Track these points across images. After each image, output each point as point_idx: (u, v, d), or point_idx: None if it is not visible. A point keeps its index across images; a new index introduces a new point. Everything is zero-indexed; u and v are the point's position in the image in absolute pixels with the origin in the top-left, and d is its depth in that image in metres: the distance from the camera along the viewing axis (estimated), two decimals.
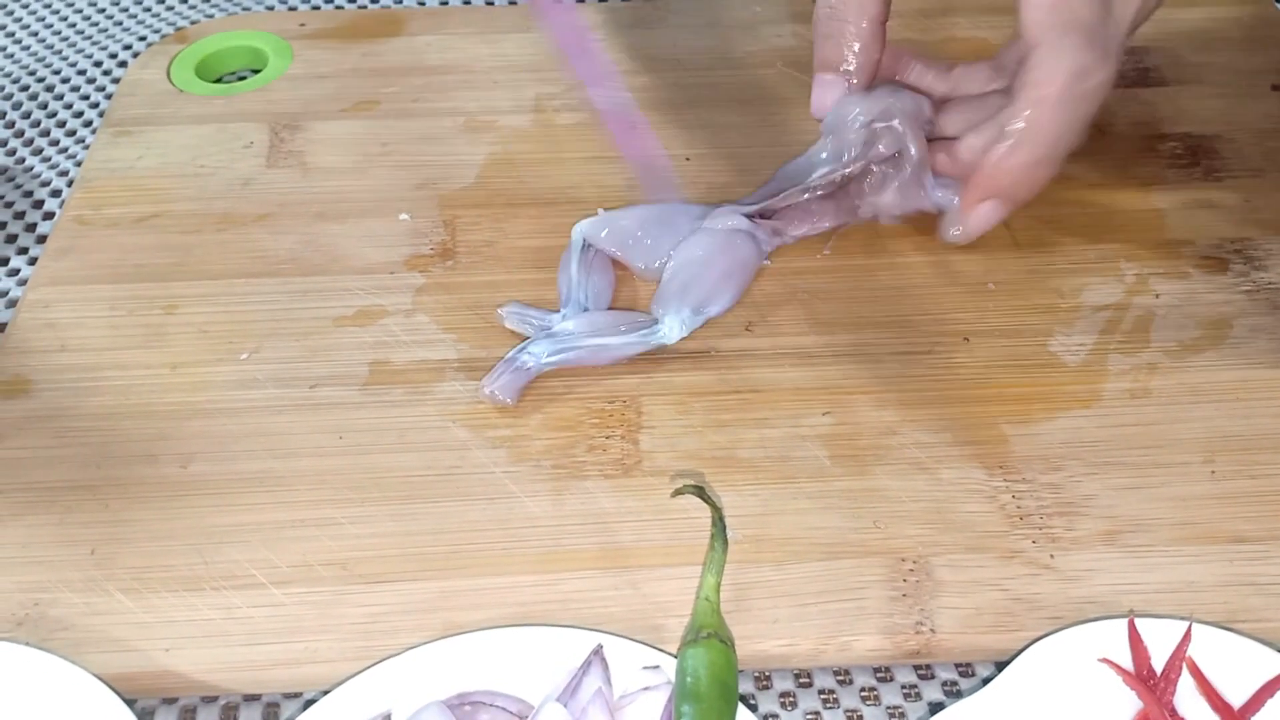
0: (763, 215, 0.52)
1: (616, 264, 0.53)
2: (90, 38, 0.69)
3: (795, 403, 0.48)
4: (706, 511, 0.41)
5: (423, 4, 0.70)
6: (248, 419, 0.47)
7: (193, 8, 0.70)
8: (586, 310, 0.50)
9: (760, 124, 0.60)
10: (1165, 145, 0.59)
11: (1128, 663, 0.39)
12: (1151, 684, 0.39)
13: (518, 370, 0.48)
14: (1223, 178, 0.57)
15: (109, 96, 0.64)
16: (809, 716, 0.41)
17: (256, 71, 0.64)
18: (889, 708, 0.41)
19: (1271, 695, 0.38)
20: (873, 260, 0.52)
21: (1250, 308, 0.51)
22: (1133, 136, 0.59)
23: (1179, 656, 0.39)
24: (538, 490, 0.45)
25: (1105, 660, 0.39)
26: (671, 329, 0.49)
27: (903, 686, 0.41)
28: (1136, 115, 0.61)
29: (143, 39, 0.68)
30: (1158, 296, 0.52)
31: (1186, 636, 0.39)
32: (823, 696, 0.41)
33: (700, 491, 0.42)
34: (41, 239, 0.56)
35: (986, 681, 0.39)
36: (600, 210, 0.53)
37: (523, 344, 0.49)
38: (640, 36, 0.65)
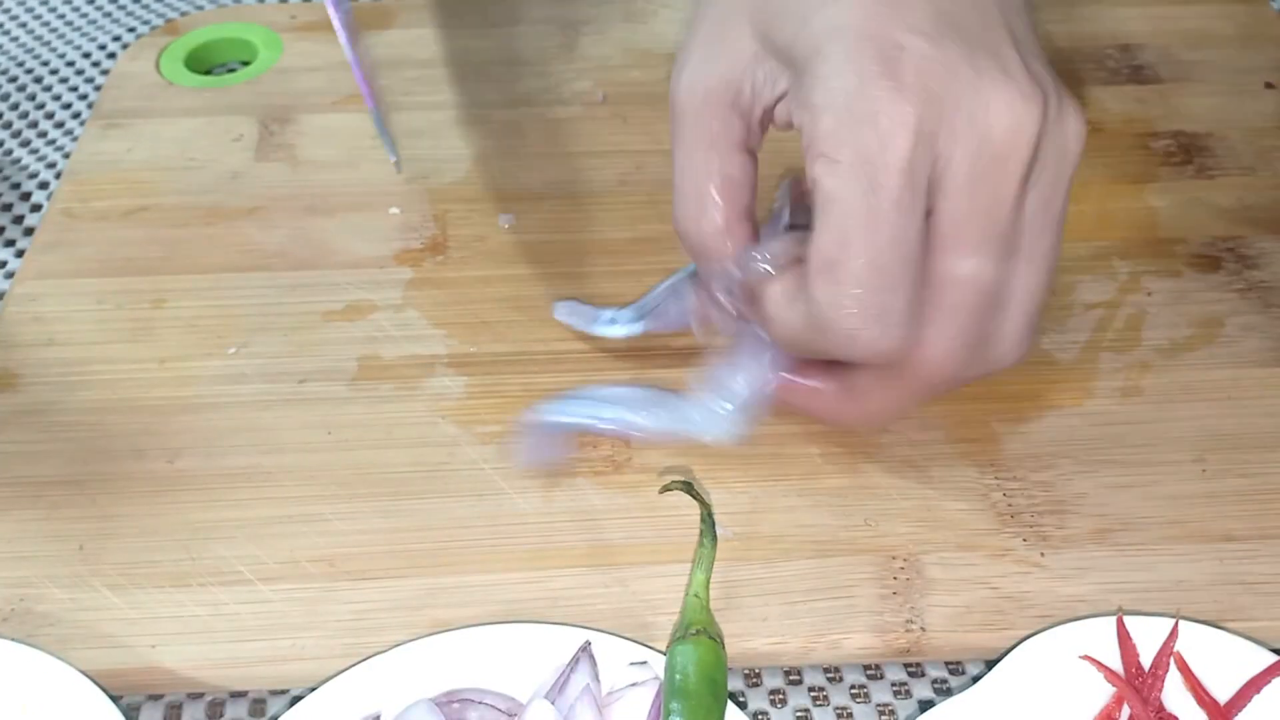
0: None
1: None
2: (79, 29, 0.68)
3: None
4: (696, 509, 0.41)
5: None
6: (235, 414, 0.47)
7: None
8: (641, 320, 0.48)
9: None
10: (1158, 143, 0.59)
11: (1116, 660, 0.39)
12: (1139, 680, 0.39)
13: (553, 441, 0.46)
14: (1216, 176, 0.57)
15: (98, 88, 0.64)
16: (799, 714, 0.40)
17: (246, 64, 0.64)
18: (879, 705, 0.41)
19: (1257, 691, 0.38)
20: None
21: (1242, 306, 0.51)
22: (1125, 134, 0.59)
23: (1166, 653, 0.39)
24: (527, 487, 0.45)
25: (1088, 658, 0.39)
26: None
27: (893, 684, 0.41)
28: (1129, 113, 0.61)
29: (132, 30, 0.68)
30: (1150, 294, 0.52)
31: (1174, 633, 0.39)
32: (813, 694, 0.41)
33: (688, 488, 0.41)
34: (29, 232, 0.56)
35: (977, 680, 0.39)
36: None
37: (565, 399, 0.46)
38: (632, 31, 0.65)
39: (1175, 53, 0.64)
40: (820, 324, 0.38)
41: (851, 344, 0.38)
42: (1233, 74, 0.63)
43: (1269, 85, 0.62)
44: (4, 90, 0.64)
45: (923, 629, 0.41)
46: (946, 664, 0.42)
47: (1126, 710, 0.38)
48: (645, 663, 0.39)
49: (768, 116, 0.42)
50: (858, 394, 0.42)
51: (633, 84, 0.62)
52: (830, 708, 0.41)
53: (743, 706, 0.40)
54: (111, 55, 0.66)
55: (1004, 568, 0.42)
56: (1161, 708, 0.38)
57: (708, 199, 0.42)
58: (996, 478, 0.45)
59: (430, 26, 0.65)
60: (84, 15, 0.69)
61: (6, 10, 0.70)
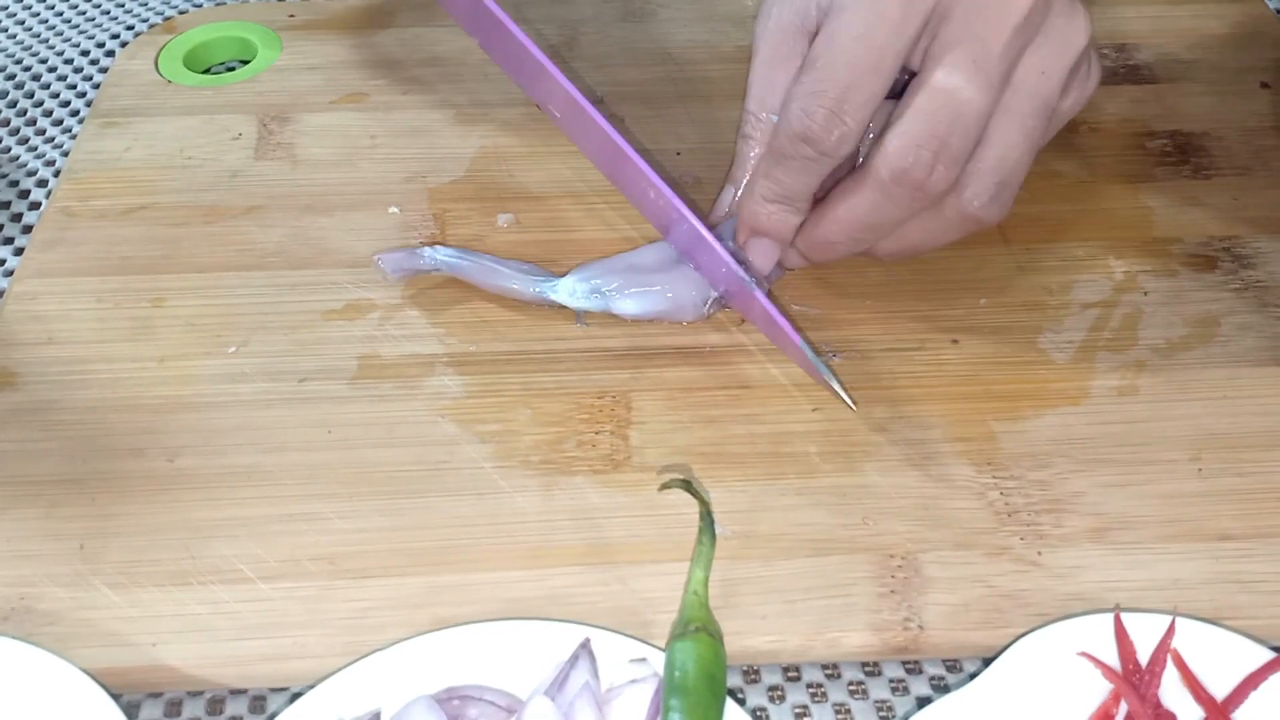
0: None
1: None
2: (78, 27, 0.68)
3: (784, 398, 0.48)
4: (695, 507, 0.41)
5: None
6: (235, 413, 0.47)
7: None
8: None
9: None
10: (1154, 143, 0.59)
11: (1114, 657, 0.39)
12: (1136, 677, 0.39)
13: (412, 255, 0.51)
14: (1211, 175, 0.57)
15: (96, 87, 0.64)
16: (797, 710, 0.41)
17: (245, 62, 0.64)
18: (877, 702, 0.41)
19: (1255, 688, 0.38)
20: (861, 257, 0.52)
21: (1238, 305, 0.52)
22: (1121, 134, 0.60)
23: (1163, 650, 0.39)
24: (526, 485, 0.45)
25: (1086, 655, 0.39)
26: (563, 290, 0.50)
27: (890, 681, 0.41)
28: (1125, 112, 0.61)
29: (130, 29, 0.68)
30: (1146, 294, 0.52)
31: (1171, 630, 0.39)
32: (811, 691, 0.41)
33: (687, 485, 0.42)
34: (27, 230, 0.56)
35: (974, 677, 0.39)
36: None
37: (434, 243, 0.52)
38: (630, 30, 0.65)
39: (1171, 52, 0.64)
40: (785, 113, 0.45)
41: (805, 131, 0.44)
42: (1228, 74, 0.63)
43: (1264, 85, 0.62)
44: (2, 88, 0.64)
45: (920, 627, 0.41)
46: (944, 661, 0.42)
47: (1124, 707, 0.38)
48: (644, 660, 0.39)
49: None
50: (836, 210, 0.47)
51: (630, 84, 0.62)
52: (829, 704, 0.41)
53: (742, 703, 0.41)
54: (110, 53, 0.66)
55: (1001, 566, 0.43)
56: (1159, 704, 0.38)
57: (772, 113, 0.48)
58: (994, 476, 0.45)
59: (429, 25, 0.65)
60: (83, 13, 0.69)
61: (5, 8, 0.70)
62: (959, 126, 0.43)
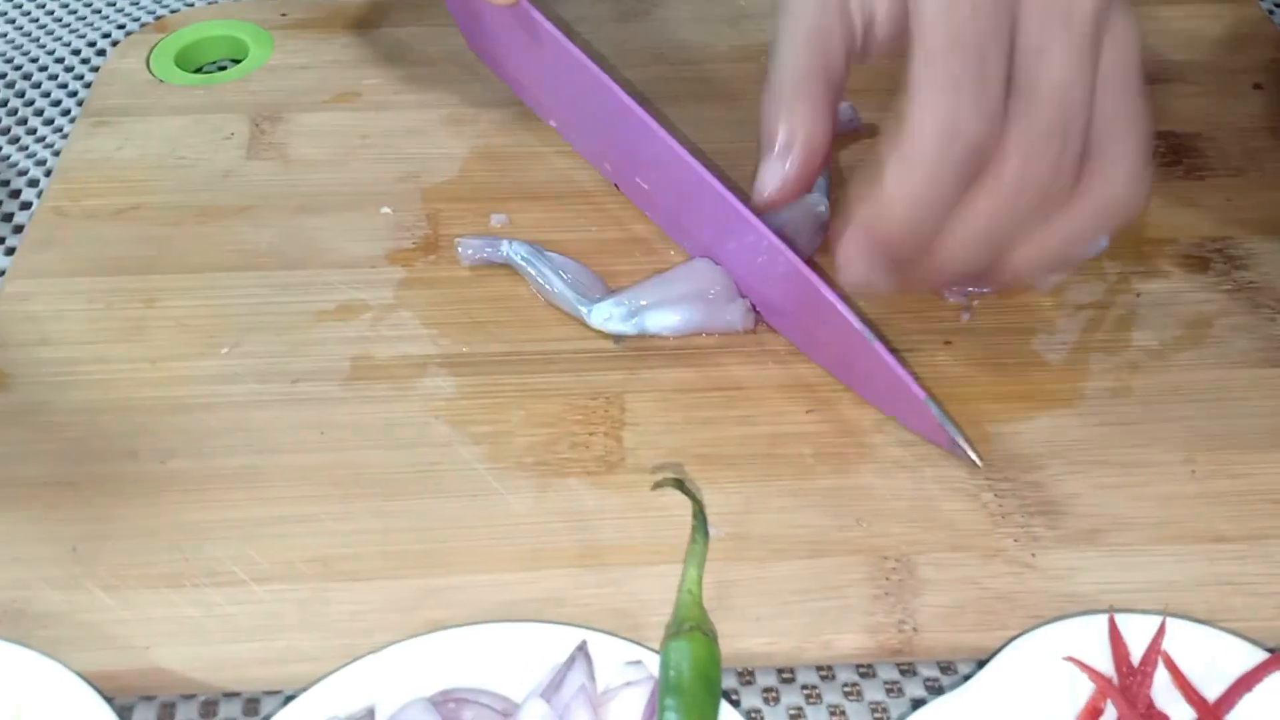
0: None
1: None
2: (69, 26, 0.68)
3: (779, 400, 0.48)
4: (688, 509, 0.41)
5: None
6: (228, 414, 0.47)
7: None
8: None
9: (745, 119, 0.59)
10: None
11: (1107, 659, 0.39)
12: (1129, 679, 0.39)
13: (490, 244, 0.52)
14: (1205, 176, 0.58)
15: (88, 86, 0.63)
16: (792, 712, 0.41)
17: (237, 61, 0.64)
18: (871, 703, 0.41)
19: (1248, 690, 0.39)
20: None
21: (1231, 307, 0.52)
22: None
23: (1154, 650, 0.39)
24: (520, 487, 0.45)
25: (1071, 659, 0.39)
26: (598, 316, 0.49)
27: (885, 683, 0.41)
28: None
29: (122, 28, 0.68)
30: (1139, 295, 0.52)
31: (1161, 630, 0.39)
32: (805, 692, 0.41)
33: (680, 484, 0.42)
34: (19, 230, 0.56)
35: (968, 679, 0.39)
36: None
37: (512, 239, 0.52)
38: (624, 30, 0.65)
39: (1164, 54, 0.64)
40: (917, 114, 0.40)
41: (952, 124, 0.40)
42: (1222, 75, 0.63)
43: (1257, 86, 0.62)
44: None
45: (915, 629, 0.41)
46: (939, 663, 0.42)
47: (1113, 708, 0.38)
48: (640, 662, 0.39)
49: (876, 35, 0.45)
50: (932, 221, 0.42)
51: (624, 84, 0.61)
52: (823, 706, 0.41)
53: (736, 704, 0.40)
54: (101, 53, 0.66)
55: (995, 568, 0.43)
56: (1151, 705, 0.39)
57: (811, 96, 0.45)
58: (988, 478, 0.45)
59: (421, 25, 0.65)
60: (74, 12, 0.69)
61: None
62: (1066, 115, 0.41)
